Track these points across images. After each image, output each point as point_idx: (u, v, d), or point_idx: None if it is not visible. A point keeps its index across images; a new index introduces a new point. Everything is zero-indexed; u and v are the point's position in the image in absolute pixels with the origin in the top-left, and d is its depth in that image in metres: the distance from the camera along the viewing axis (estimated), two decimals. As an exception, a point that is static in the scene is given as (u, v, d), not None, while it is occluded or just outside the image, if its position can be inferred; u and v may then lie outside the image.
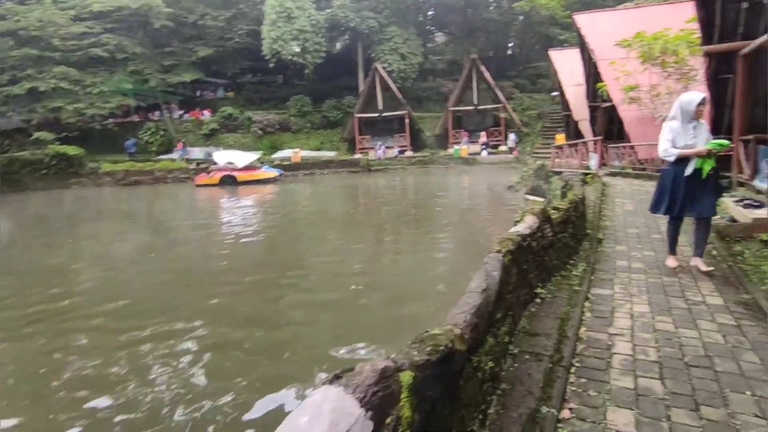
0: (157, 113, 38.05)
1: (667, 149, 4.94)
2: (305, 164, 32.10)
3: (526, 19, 41.45)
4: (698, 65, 12.36)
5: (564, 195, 9.45)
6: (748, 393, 2.69)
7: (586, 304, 4.11)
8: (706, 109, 5.05)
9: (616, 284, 4.65)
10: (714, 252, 5.58)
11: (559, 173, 14.38)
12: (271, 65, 37.15)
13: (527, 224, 3.87)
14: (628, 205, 8.64)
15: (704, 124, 4.93)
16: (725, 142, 4.74)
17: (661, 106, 13.81)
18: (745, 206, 6.65)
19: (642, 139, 13.96)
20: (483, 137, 33.72)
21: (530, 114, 36.39)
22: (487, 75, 33.80)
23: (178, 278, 10.31)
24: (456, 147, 33.49)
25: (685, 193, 4.88)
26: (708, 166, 4.73)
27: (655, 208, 5.24)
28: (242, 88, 43.05)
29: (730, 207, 7.07)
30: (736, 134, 8.86)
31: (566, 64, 24.56)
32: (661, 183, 5.15)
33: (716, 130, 10.24)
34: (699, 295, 4.32)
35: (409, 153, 34.50)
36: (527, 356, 3.06)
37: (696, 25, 10.50)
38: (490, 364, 2.41)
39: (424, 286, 8.84)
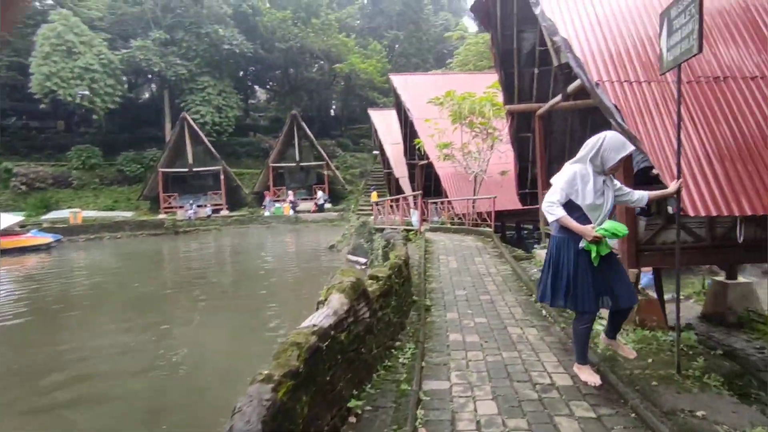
0: None
1: (552, 204, 3.15)
2: (91, 227, 27.22)
3: (347, 81, 42.80)
4: (501, 126, 13.07)
5: (386, 256, 8.60)
6: None
7: (419, 412, 2.98)
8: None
9: (453, 370, 3.75)
10: (544, 312, 5.29)
11: (381, 230, 13.82)
12: (43, 106, 31.16)
13: (332, 308, 2.56)
14: (452, 262, 8.12)
15: (616, 183, 3.31)
16: (623, 229, 3.11)
17: (472, 162, 14.31)
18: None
19: (458, 194, 14.26)
20: (290, 195, 32.97)
21: (353, 172, 36.86)
22: (308, 132, 33.44)
23: None
24: (277, 205, 32.03)
25: (602, 277, 3.21)
26: (596, 252, 3.15)
27: (547, 297, 3.36)
28: (2, 133, 34.69)
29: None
30: (540, 188, 9.09)
31: (385, 124, 25.34)
32: (556, 260, 3.30)
33: (522, 184, 10.59)
34: (545, 374, 3.67)
35: (224, 212, 31.79)
36: None
37: (497, 90, 11.07)
38: None
39: (197, 390, 7.02)
